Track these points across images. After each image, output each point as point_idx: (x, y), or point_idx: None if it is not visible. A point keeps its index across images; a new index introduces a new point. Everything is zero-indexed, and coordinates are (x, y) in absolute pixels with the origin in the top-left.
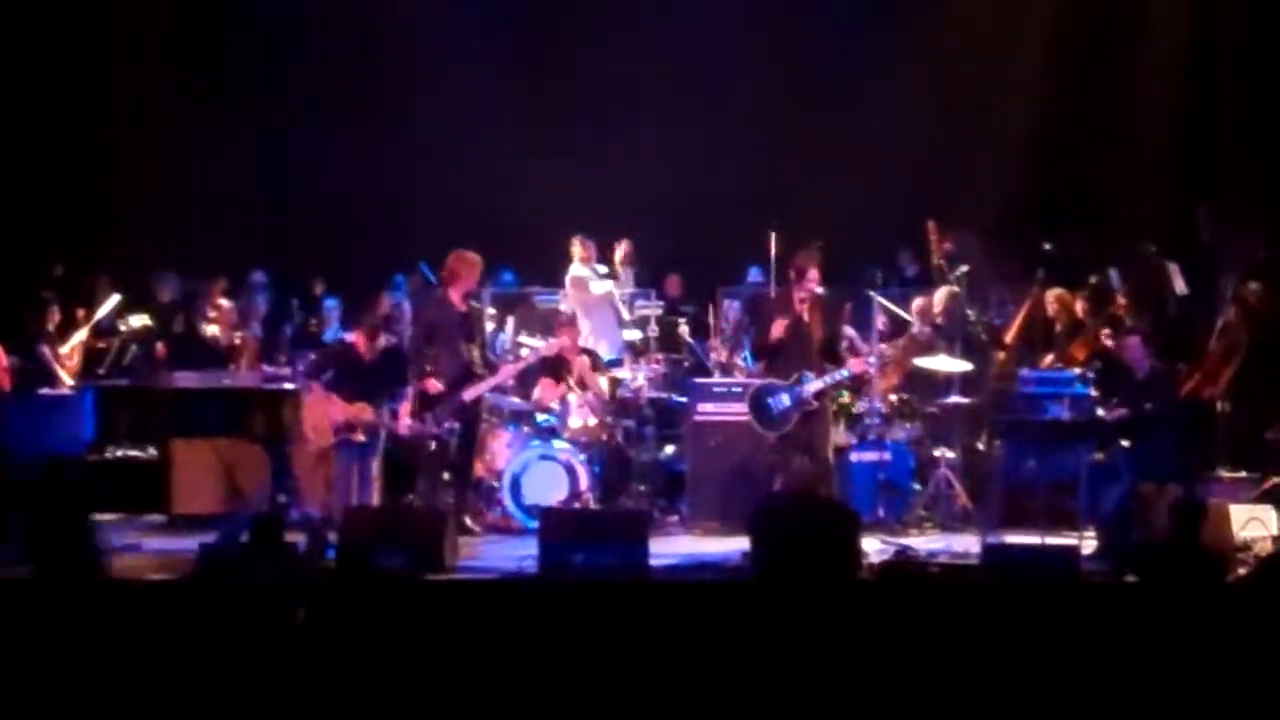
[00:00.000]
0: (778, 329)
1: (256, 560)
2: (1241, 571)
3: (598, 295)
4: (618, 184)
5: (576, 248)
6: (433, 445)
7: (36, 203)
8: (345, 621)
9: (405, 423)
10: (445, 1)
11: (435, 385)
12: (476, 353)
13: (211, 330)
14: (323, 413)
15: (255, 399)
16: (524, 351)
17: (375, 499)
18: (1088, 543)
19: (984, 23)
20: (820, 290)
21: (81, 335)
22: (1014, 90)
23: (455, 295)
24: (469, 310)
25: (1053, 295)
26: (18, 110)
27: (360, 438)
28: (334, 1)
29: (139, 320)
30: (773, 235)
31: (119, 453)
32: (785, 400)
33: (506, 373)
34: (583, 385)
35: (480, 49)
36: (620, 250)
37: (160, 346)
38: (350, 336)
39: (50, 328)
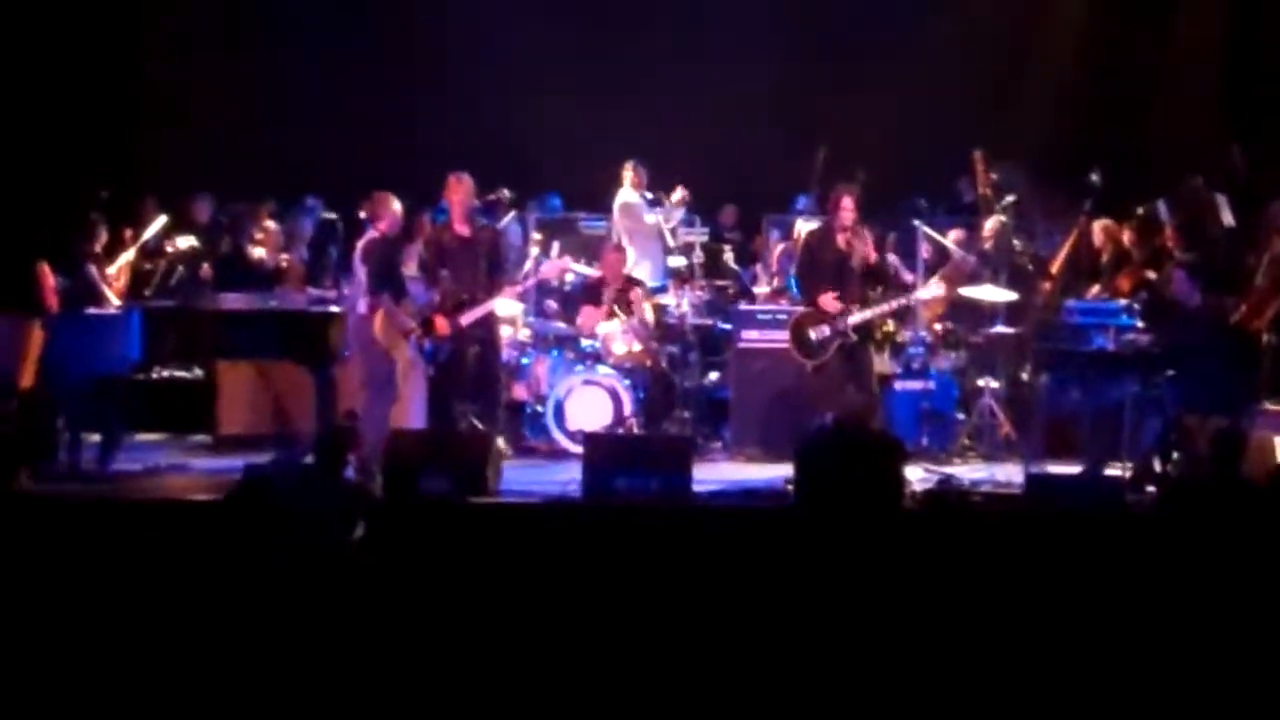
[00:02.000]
0: (816, 258)
1: (318, 480)
2: None
3: (648, 224)
4: (668, 115)
5: (629, 172)
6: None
7: (82, 125)
8: (392, 545)
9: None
10: None
11: (442, 321)
12: (483, 276)
13: (258, 252)
14: (393, 325)
15: (301, 321)
16: (569, 277)
17: (420, 421)
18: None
19: None
20: (851, 219)
21: (129, 256)
22: (1059, 19)
23: (455, 218)
24: (473, 232)
25: (1099, 225)
26: (61, 34)
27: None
28: None
29: (185, 241)
30: (821, 153)
31: (165, 373)
32: (825, 330)
33: (508, 294)
34: (628, 310)
35: None
36: (676, 195)
37: (206, 268)
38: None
39: (97, 248)
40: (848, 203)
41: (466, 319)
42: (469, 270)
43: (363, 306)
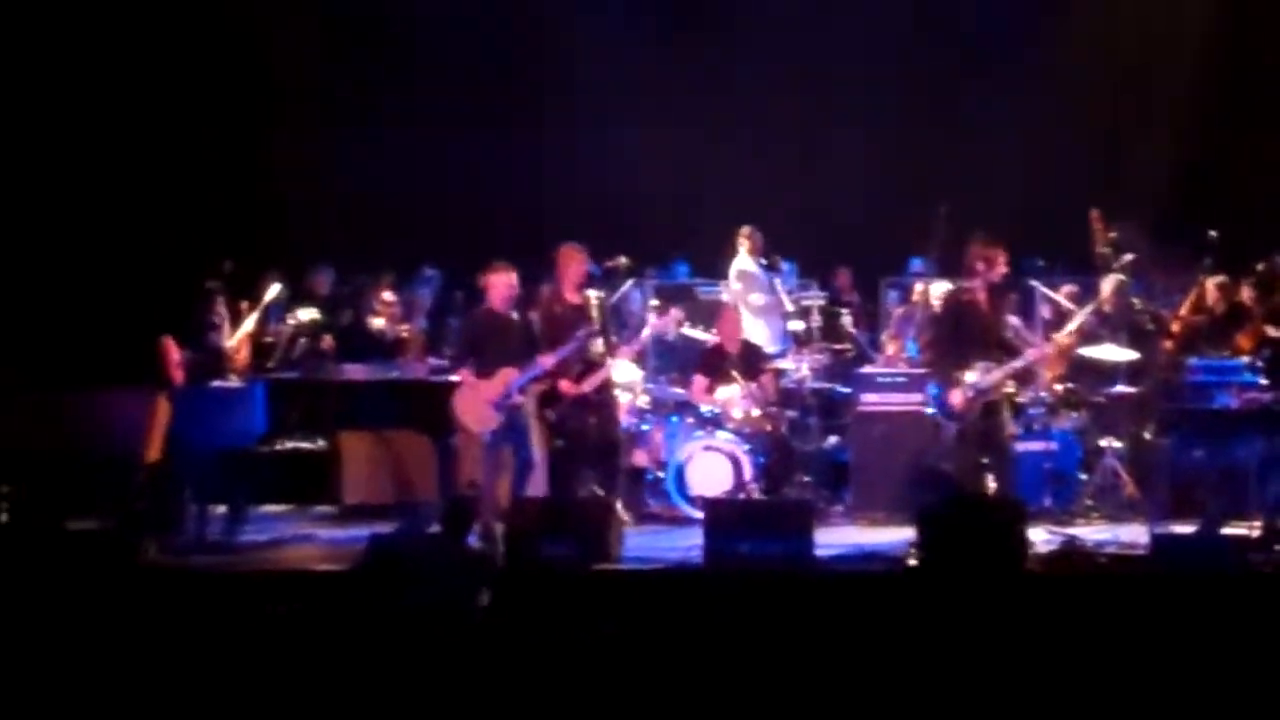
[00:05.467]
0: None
1: (443, 548)
2: None
3: (765, 290)
4: (782, 176)
5: (744, 239)
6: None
7: (205, 199)
8: (516, 611)
9: (581, 383)
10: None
11: (569, 385)
12: (599, 342)
13: (378, 323)
14: (475, 397)
15: (422, 391)
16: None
17: (540, 489)
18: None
19: (1144, 11)
20: (1003, 276)
21: (247, 327)
22: (1174, 77)
23: (566, 288)
24: (583, 301)
25: (1212, 283)
26: (186, 107)
27: (519, 400)
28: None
29: (307, 314)
30: (942, 213)
31: (289, 445)
32: (970, 391)
33: (624, 354)
34: (749, 376)
35: (638, 30)
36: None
37: (328, 339)
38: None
39: (218, 321)
40: (1003, 261)
41: (588, 384)
42: (586, 338)
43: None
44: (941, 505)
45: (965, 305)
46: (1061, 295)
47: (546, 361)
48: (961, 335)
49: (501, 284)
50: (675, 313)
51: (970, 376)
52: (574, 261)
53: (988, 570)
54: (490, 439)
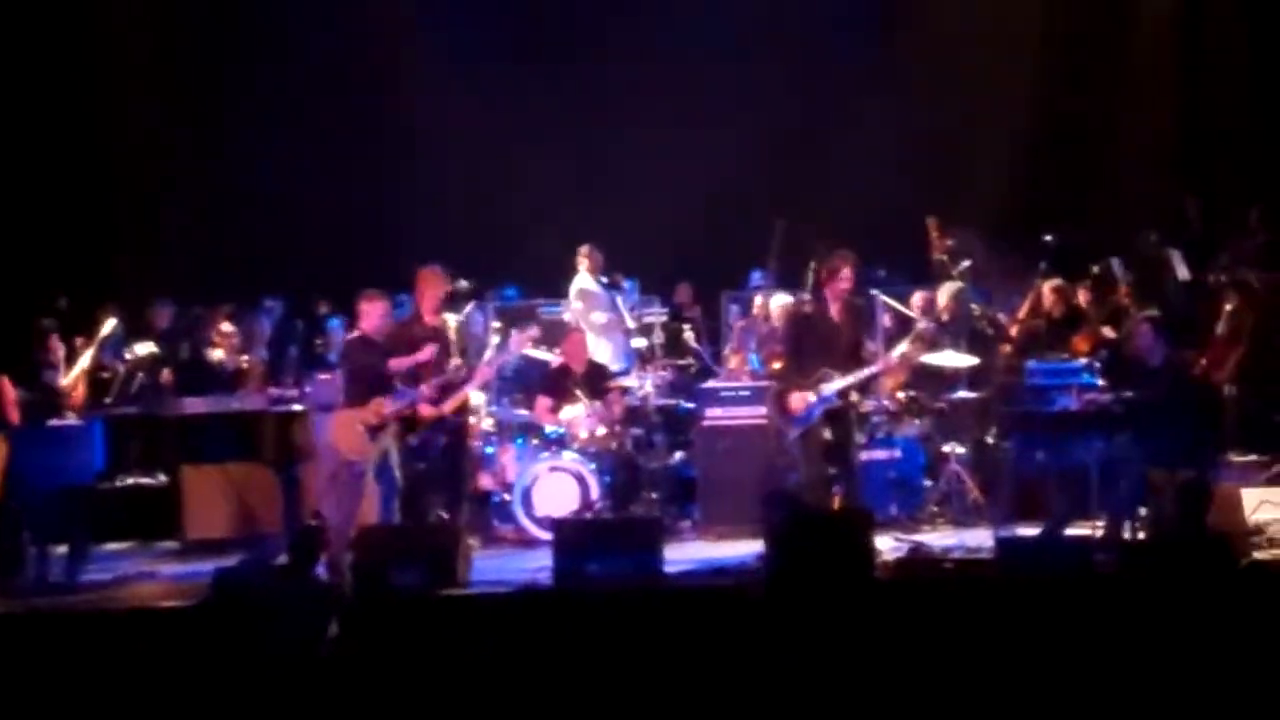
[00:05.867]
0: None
1: (290, 580)
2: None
3: (606, 308)
4: (617, 193)
5: (584, 258)
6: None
7: (37, 235)
8: (365, 640)
9: (439, 405)
10: (440, 13)
11: (427, 408)
12: (453, 364)
13: (217, 355)
14: (352, 429)
15: (264, 422)
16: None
17: (395, 515)
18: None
19: (978, 20)
20: (849, 288)
21: (83, 363)
22: (1009, 85)
23: (425, 310)
24: (441, 324)
25: (1048, 286)
26: (13, 145)
27: (388, 436)
28: (326, 23)
29: (144, 348)
30: (778, 227)
31: (129, 481)
32: (811, 397)
33: (481, 376)
34: (593, 395)
35: (478, 55)
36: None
37: (167, 373)
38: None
39: (53, 358)
40: (848, 273)
41: (447, 406)
42: (441, 360)
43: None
44: (788, 520)
45: (805, 317)
46: (913, 303)
47: (425, 390)
48: (805, 347)
49: (375, 312)
50: (532, 331)
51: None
52: (434, 283)
53: (836, 580)
54: (360, 468)
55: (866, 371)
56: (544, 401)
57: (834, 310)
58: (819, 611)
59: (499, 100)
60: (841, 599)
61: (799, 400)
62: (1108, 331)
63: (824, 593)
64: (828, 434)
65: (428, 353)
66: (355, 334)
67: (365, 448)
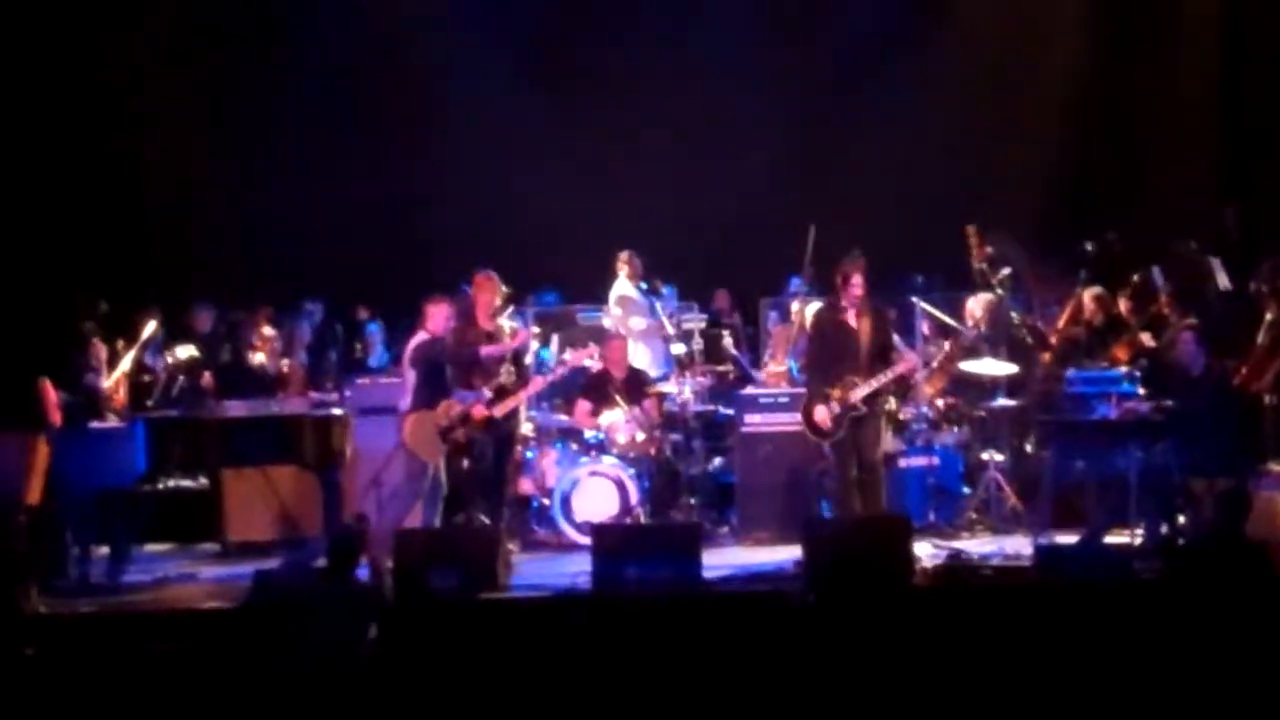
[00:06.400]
0: (825, 337)
1: (330, 582)
2: None
3: (646, 314)
4: (656, 198)
5: (623, 264)
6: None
7: (80, 239)
8: (404, 643)
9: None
10: (476, 23)
11: (480, 409)
12: (507, 370)
13: (258, 359)
14: (425, 429)
15: (304, 426)
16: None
17: (438, 519)
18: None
19: (1016, 25)
20: (861, 294)
21: (124, 367)
22: (1047, 93)
23: (480, 315)
24: (495, 329)
25: (1089, 295)
26: (60, 150)
27: (463, 432)
28: (363, 29)
29: (185, 351)
30: (810, 233)
31: (171, 484)
32: (836, 408)
33: (535, 386)
34: (632, 400)
35: (512, 66)
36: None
37: (208, 376)
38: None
39: (95, 362)
40: (858, 279)
41: (500, 410)
42: (494, 365)
43: (404, 407)
44: (825, 525)
45: (827, 322)
46: (966, 310)
47: (487, 393)
48: (826, 352)
49: (440, 314)
50: (591, 349)
51: (854, 394)
52: (489, 288)
53: (874, 586)
54: (430, 469)
55: (889, 375)
56: (583, 406)
57: (851, 316)
58: (858, 618)
59: (538, 103)
60: (880, 606)
61: (823, 414)
62: (1147, 341)
63: (863, 599)
64: (852, 441)
65: (522, 337)
66: (424, 336)
67: (437, 449)
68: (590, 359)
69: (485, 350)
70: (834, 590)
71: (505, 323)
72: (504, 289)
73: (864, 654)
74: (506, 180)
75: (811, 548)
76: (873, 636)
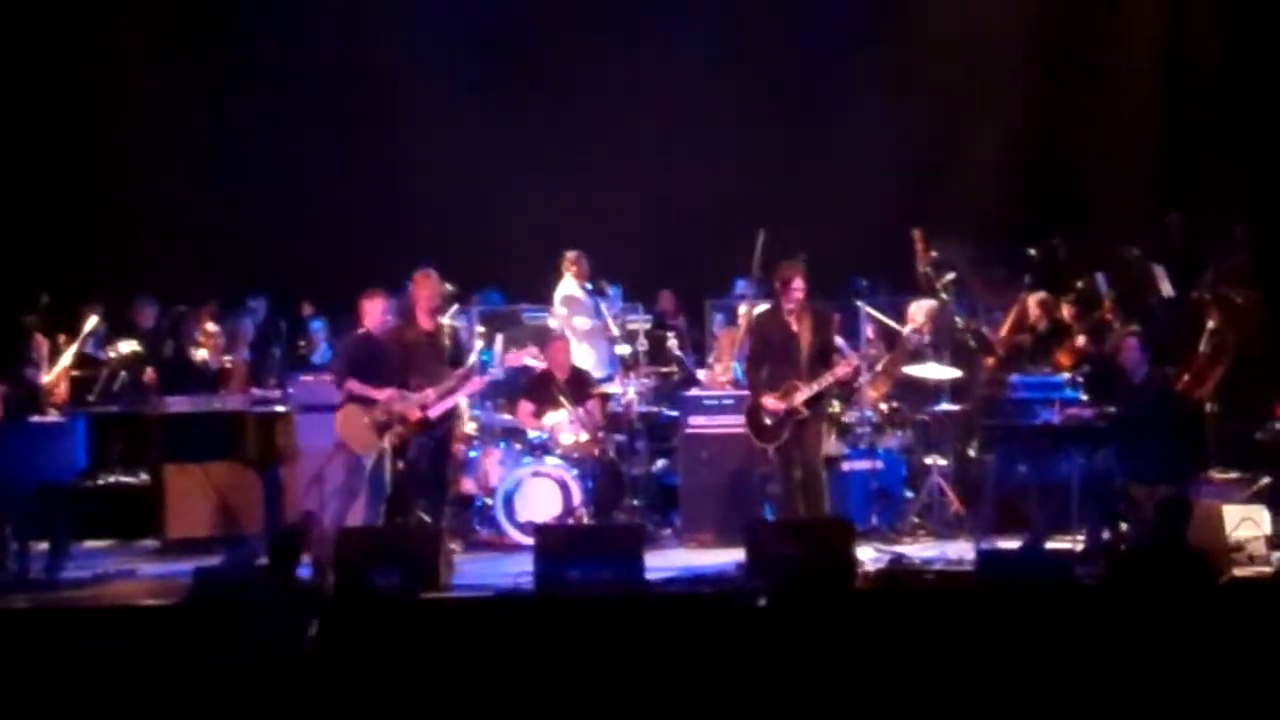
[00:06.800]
0: (766, 340)
1: (271, 580)
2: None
3: (590, 315)
4: (602, 199)
5: (569, 265)
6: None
7: (20, 232)
8: (345, 641)
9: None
10: (427, 23)
11: (414, 413)
12: (446, 370)
13: (200, 355)
14: (355, 422)
15: (246, 422)
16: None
17: (379, 518)
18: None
19: (964, 32)
20: (801, 297)
21: (65, 361)
22: (995, 98)
23: (420, 313)
24: (435, 327)
25: (1033, 300)
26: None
27: (399, 432)
28: (315, 26)
29: (128, 346)
30: (760, 237)
31: (111, 479)
32: (780, 411)
33: (474, 386)
34: (576, 400)
35: (461, 66)
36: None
37: (150, 372)
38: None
39: (35, 356)
40: (798, 282)
41: (435, 411)
42: (434, 364)
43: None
44: (768, 525)
45: (768, 325)
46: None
47: (432, 394)
48: (766, 355)
49: (376, 310)
50: (532, 349)
51: (796, 398)
52: (428, 286)
53: (816, 589)
54: (363, 462)
55: (830, 378)
56: (527, 407)
57: (791, 319)
58: (799, 621)
59: (486, 105)
60: (822, 609)
61: (772, 402)
62: (1090, 346)
63: (805, 602)
64: (794, 444)
65: (474, 385)
66: (360, 331)
67: (369, 442)
68: (531, 359)
69: (433, 410)
70: (776, 593)
71: (447, 321)
72: (447, 288)
73: (806, 656)
74: (453, 179)
75: (754, 550)
76: (814, 639)
